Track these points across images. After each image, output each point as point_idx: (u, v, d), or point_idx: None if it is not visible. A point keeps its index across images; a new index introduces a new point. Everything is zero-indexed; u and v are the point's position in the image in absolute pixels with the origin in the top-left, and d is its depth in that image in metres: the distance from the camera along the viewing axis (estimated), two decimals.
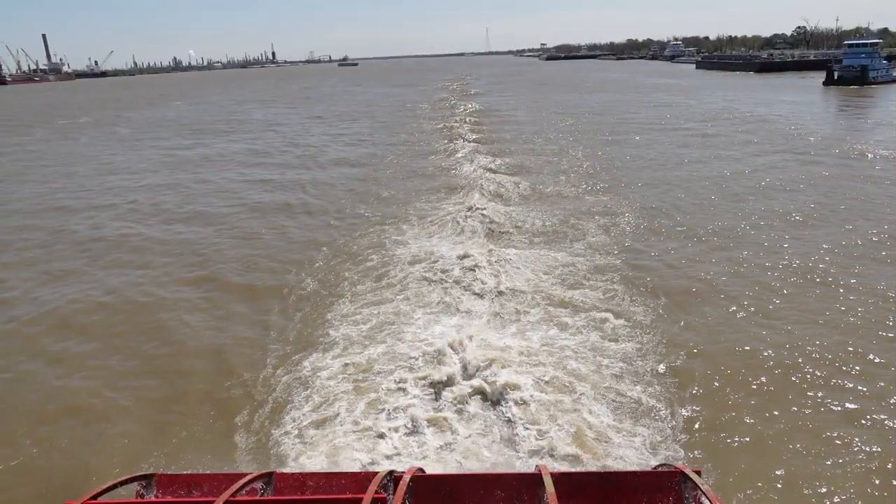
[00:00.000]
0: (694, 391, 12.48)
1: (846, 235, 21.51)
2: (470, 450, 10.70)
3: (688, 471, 4.70)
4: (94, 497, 5.00)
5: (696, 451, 10.53)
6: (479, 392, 12.45)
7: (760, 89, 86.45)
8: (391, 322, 15.99)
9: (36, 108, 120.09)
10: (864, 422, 11.40)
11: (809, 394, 12.37)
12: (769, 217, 24.19)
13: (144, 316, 17.70)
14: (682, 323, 15.52)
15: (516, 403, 11.93)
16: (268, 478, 5.49)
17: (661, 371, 13.10)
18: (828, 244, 20.64)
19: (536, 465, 4.90)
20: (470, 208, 25.83)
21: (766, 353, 13.89)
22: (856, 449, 10.61)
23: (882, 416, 11.48)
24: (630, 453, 10.38)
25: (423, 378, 13.07)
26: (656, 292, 17.23)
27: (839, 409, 11.83)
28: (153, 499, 5.41)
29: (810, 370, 13.20)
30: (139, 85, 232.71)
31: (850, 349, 13.91)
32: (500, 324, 15.69)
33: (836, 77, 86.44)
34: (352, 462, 10.38)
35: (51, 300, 19.21)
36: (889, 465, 10.20)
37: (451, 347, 13.89)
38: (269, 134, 58.38)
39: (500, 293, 17.49)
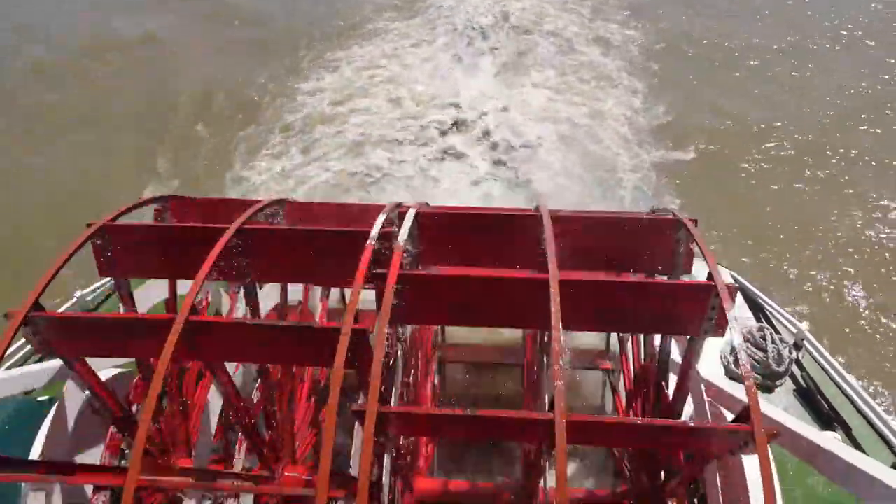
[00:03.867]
0: (692, 151, 13.56)
1: None
2: (472, 188, 10.85)
3: (684, 219, 4.75)
4: (114, 219, 4.96)
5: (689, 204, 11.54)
6: (486, 132, 12.34)
7: None
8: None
9: None
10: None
11: (797, 162, 13.54)
12: None
13: (142, 52, 17.28)
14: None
15: (518, 143, 11.84)
16: (279, 205, 5.56)
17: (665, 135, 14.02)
18: None
19: (536, 205, 5.00)
20: None
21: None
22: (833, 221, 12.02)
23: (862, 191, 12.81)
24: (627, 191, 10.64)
25: (429, 118, 12.89)
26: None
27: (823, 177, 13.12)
28: (172, 223, 5.51)
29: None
30: None
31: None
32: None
33: None
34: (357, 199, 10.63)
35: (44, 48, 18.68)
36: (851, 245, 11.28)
37: (463, 105, 13.62)
38: None
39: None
